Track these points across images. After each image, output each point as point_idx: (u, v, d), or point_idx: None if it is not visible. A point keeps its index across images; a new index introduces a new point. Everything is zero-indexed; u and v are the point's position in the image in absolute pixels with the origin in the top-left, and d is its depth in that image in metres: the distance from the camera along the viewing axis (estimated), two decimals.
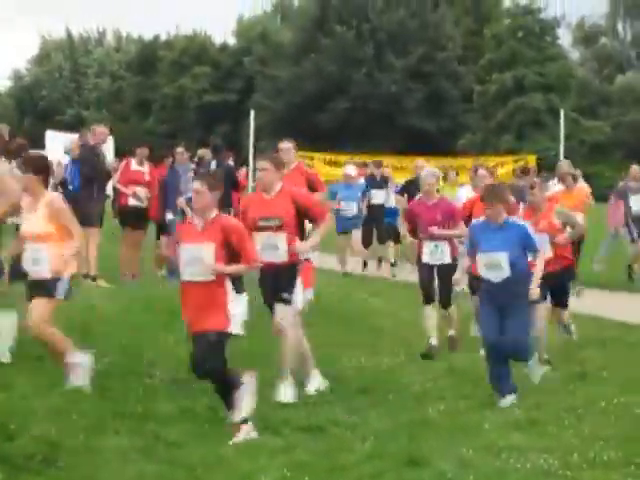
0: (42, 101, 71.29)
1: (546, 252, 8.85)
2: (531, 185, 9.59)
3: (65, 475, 5.72)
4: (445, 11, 61.95)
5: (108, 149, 15.59)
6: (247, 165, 24.79)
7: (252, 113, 27.98)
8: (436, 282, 10.13)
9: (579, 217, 11.99)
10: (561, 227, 9.44)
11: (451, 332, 10.37)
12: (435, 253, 10.01)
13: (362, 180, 17.87)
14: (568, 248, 9.79)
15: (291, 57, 61.04)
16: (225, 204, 14.16)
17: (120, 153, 16.78)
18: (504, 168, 22.84)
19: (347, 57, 58.19)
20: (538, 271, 8.17)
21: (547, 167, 26.73)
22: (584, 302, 12.68)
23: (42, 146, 24.56)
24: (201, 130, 61.71)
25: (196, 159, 16.44)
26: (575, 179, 14.98)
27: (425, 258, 10.06)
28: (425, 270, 10.03)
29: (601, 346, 10.19)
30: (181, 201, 13.89)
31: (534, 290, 8.01)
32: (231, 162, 16.90)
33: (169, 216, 14.15)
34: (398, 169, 22.02)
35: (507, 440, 6.55)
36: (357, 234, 17.24)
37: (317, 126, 56.45)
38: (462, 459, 6.10)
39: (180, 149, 15.27)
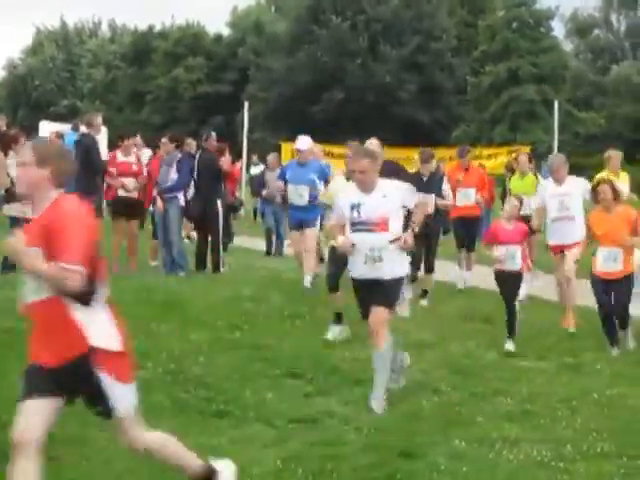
0: (35, 91, 71.10)
1: None
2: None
3: (57, 466, 5.70)
4: (440, 2, 61.92)
5: (101, 140, 15.47)
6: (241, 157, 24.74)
7: (246, 105, 28.02)
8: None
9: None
10: None
11: None
12: None
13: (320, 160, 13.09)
14: None
15: (285, 48, 60.93)
16: (209, 194, 13.70)
17: (113, 144, 16.69)
18: (497, 159, 22.73)
19: (342, 48, 58.14)
20: None
21: (539, 158, 26.75)
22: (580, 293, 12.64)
23: (36, 137, 24.48)
24: (195, 121, 61.64)
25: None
26: (616, 194, 9.47)
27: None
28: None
29: (594, 337, 10.19)
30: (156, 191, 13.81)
31: None
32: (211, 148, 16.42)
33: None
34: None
35: (500, 431, 6.56)
36: (311, 232, 12.16)
37: (311, 117, 56.41)
38: (455, 451, 6.10)
39: (164, 139, 14.92)
